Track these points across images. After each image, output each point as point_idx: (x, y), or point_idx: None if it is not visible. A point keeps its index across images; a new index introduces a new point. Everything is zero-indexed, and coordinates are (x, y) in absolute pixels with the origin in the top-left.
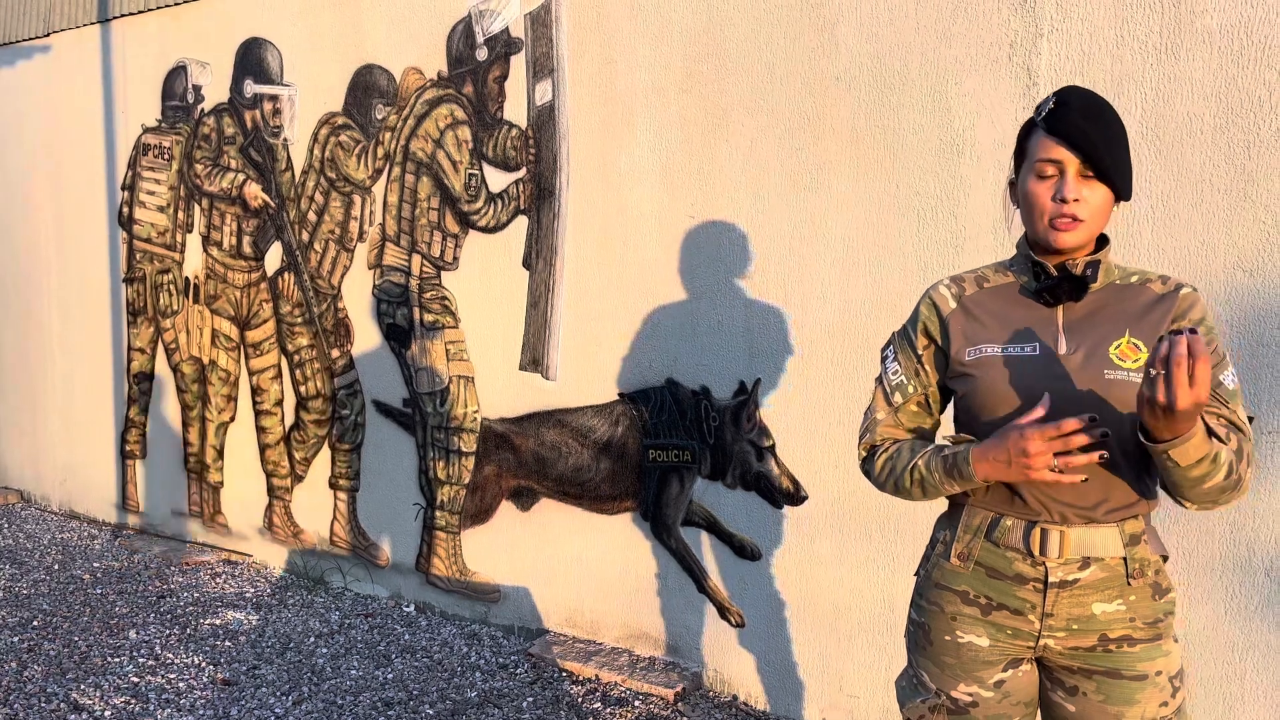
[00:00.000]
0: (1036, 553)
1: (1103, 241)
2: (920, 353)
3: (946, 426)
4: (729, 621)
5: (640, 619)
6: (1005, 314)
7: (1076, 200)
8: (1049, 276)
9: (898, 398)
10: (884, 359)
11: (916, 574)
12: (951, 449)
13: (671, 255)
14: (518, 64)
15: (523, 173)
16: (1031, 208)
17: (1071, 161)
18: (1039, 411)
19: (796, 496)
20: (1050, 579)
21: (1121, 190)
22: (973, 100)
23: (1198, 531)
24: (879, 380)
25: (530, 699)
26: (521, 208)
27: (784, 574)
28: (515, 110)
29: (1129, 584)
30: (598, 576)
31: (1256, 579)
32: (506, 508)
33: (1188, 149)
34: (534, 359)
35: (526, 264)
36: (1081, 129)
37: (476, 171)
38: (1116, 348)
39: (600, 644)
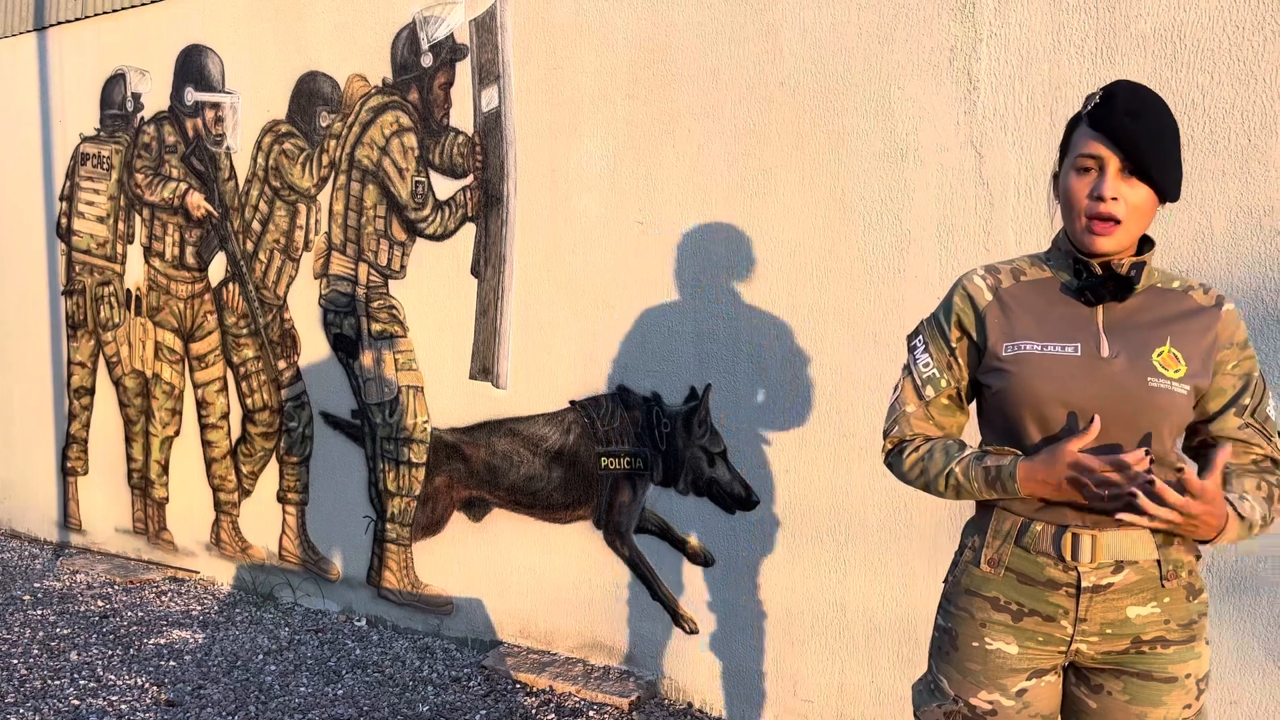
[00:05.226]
0: (1068, 557)
1: (1147, 243)
2: (954, 345)
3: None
4: (683, 628)
5: (595, 628)
6: (1043, 310)
7: (1114, 199)
8: (1092, 275)
9: (929, 391)
10: (912, 349)
11: (945, 580)
12: (995, 460)
13: (620, 261)
14: (463, 70)
15: (470, 179)
16: (1070, 205)
17: (1111, 159)
18: (1091, 434)
19: (748, 501)
20: (1083, 584)
21: (1166, 191)
22: (915, 104)
23: None
24: (907, 370)
25: (483, 712)
26: (469, 215)
27: (737, 579)
28: (461, 117)
29: (1163, 586)
30: (551, 586)
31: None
32: (458, 519)
33: None
34: (484, 367)
35: (475, 271)
36: (1123, 125)
37: (423, 179)
38: (1159, 355)
39: (555, 654)
